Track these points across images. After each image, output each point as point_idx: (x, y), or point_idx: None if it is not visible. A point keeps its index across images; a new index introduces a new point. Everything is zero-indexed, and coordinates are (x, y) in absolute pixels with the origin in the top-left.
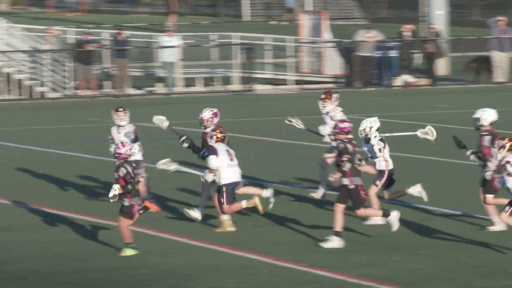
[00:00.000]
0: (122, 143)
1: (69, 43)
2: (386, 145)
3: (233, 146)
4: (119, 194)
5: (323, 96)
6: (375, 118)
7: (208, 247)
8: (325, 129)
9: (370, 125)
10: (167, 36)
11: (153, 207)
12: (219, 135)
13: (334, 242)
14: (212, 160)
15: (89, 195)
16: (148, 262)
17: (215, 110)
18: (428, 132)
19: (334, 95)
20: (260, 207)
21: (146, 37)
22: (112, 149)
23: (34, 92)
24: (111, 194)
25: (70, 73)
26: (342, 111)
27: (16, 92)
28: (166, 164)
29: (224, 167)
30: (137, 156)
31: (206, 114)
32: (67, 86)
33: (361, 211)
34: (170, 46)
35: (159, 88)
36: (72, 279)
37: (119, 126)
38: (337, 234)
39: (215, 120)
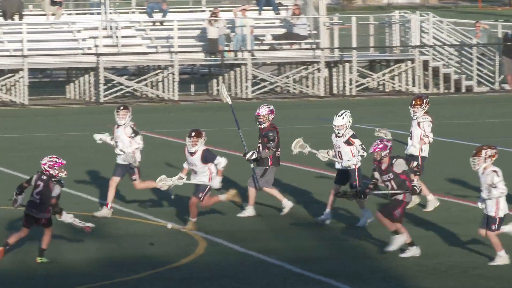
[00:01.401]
0: (51, 156)
1: (498, 37)
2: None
3: None
4: None
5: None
6: None
7: None
8: None
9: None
10: None
11: None
12: None
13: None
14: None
15: None
16: None
17: (272, 107)
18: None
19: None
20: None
21: None
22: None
23: (461, 86)
24: None
25: (497, 67)
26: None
27: (443, 86)
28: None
29: None
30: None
31: (263, 110)
32: (494, 80)
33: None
34: None
35: None
36: (495, 274)
37: (118, 125)
38: None
39: (271, 117)
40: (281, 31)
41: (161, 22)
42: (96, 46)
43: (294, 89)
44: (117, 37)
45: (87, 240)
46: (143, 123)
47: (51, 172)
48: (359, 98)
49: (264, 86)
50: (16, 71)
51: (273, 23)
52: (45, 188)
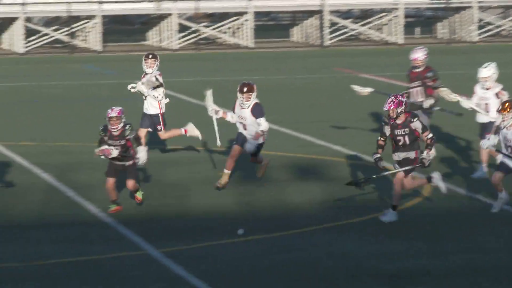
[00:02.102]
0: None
1: None
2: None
3: None
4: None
5: None
6: None
7: None
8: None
9: None
10: None
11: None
12: None
13: None
14: None
15: None
16: None
17: (427, 49)
18: None
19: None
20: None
21: None
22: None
23: None
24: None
25: None
26: None
27: None
28: (360, 88)
29: None
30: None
31: (421, 54)
32: None
33: None
34: None
35: None
36: None
37: (146, 73)
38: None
39: (426, 60)
40: None
41: None
42: None
43: None
44: None
45: (311, 182)
46: (367, 66)
47: None
48: None
49: (490, 30)
50: (241, 14)
51: None
52: None
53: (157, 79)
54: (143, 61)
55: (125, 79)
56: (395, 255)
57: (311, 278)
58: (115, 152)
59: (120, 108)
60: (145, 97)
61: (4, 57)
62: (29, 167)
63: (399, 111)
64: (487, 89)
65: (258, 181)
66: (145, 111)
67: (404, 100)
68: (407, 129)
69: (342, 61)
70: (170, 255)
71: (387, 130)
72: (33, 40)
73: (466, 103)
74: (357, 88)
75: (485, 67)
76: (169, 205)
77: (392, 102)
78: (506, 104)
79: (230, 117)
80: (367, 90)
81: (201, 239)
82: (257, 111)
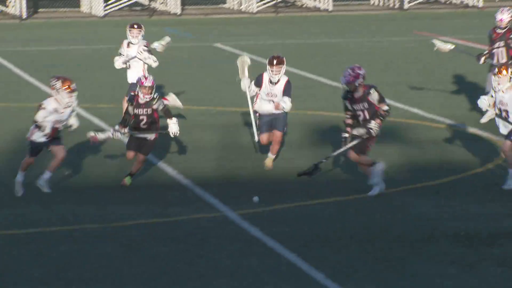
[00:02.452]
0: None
1: None
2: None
3: None
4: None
5: None
6: None
7: None
8: None
9: None
10: None
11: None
12: None
13: None
14: None
15: None
16: None
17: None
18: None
19: None
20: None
21: None
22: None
23: None
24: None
25: None
26: None
27: None
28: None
29: None
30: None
31: (506, 16)
32: None
33: None
34: None
35: None
36: None
37: (130, 42)
38: None
39: (511, 22)
40: None
41: None
42: None
43: None
44: None
45: (388, 145)
46: (447, 29)
47: None
48: None
49: None
50: None
51: None
52: None
53: (148, 49)
54: (127, 31)
55: (203, 42)
56: (471, 217)
57: (387, 240)
58: (116, 135)
59: (154, 77)
60: (129, 66)
61: (83, 20)
62: (107, 129)
63: (357, 84)
64: None
65: (333, 144)
66: (132, 81)
67: (361, 72)
68: (366, 103)
69: (422, 24)
70: (247, 217)
71: (348, 105)
72: (112, 3)
73: None
74: (438, 43)
75: None
76: (246, 168)
77: (349, 75)
78: (502, 68)
79: (251, 91)
80: (448, 46)
81: (277, 201)
82: (287, 90)
